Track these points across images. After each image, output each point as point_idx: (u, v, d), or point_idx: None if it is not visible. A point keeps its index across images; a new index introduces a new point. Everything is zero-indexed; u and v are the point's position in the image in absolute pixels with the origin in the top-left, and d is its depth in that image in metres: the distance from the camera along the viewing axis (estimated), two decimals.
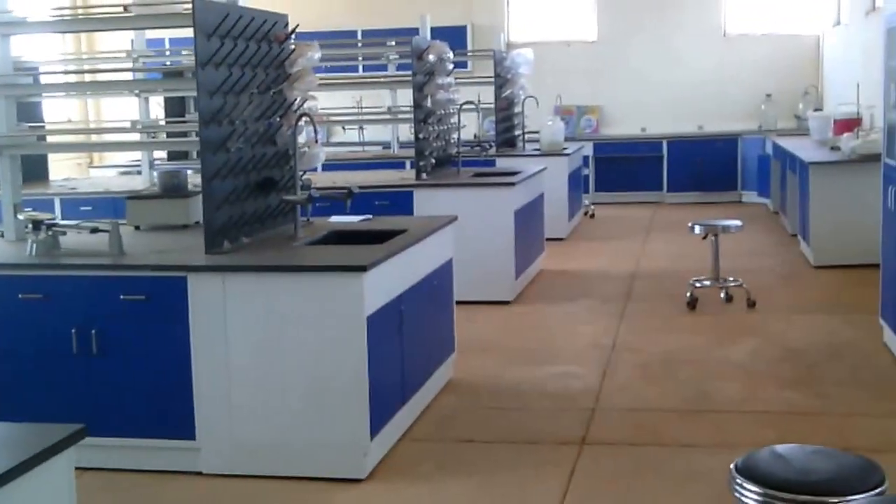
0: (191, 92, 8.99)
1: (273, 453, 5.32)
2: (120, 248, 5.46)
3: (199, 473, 5.39)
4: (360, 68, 15.39)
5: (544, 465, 5.54)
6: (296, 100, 6.38)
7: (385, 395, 5.51)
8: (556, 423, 6.21)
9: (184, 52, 11.22)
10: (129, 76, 9.80)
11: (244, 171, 5.84)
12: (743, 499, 3.35)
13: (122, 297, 5.28)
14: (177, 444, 5.37)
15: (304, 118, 6.16)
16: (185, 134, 9.55)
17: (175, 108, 10.20)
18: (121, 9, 5.98)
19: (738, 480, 3.38)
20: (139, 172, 9.73)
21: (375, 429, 5.34)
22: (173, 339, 5.27)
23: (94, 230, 5.51)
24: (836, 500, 3.15)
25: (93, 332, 5.27)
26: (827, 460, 3.44)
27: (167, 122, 9.43)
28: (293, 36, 6.42)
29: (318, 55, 6.48)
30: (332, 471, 5.26)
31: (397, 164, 11.82)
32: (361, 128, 14.63)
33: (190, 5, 5.44)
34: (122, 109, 11.92)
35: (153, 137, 8.76)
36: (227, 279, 5.25)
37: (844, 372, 7.13)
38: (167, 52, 11.87)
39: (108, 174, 12.91)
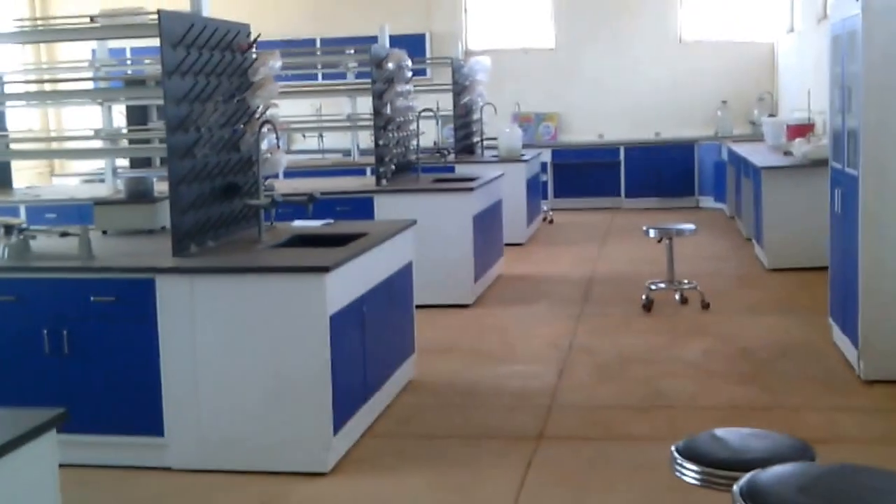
0: (153, 100, 9.23)
1: (239, 448, 5.54)
2: (89, 251, 5.69)
3: (168, 469, 5.61)
4: (320, 76, 15.61)
5: (502, 458, 5.78)
6: (258, 107, 6.62)
7: (347, 392, 5.76)
8: (514, 420, 6.47)
9: (146, 61, 11.43)
10: (90, 85, 9.99)
11: (209, 176, 6.08)
12: (684, 477, 3.61)
13: (92, 298, 5.49)
14: (146, 440, 5.59)
15: (266, 125, 6.40)
16: (147, 141, 9.75)
17: (137, 116, 10.35)
18: (87, 20, 6.19)
19: (678, 461, 3.64)
20: (102, 180, 9.92)
21: (338, 424, 5.58)
22: (142, 340, 5.49)
23: (64, 234, 5.74)
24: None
25: (64, 332, 5.48)
26: (761, 441, 3.72)
27: (129, 130, 9.60)
28: (255, 45, 6.66)
29: (279, 64, 6.72)
30: (297, 465, 5.50)
31: (357, 171, 12.02)
32: (321, 135, 14.84)
33: (155, 16, 5.69)
34: (83, 118, 12.09)
35: (116, 145, 8.97)
36: (194, 281, 5.48)
37: (794, 369, 7.41)
38: (128, 62, 12.06)
39: (71, 182, 13.06)
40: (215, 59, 6.13)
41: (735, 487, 2.88)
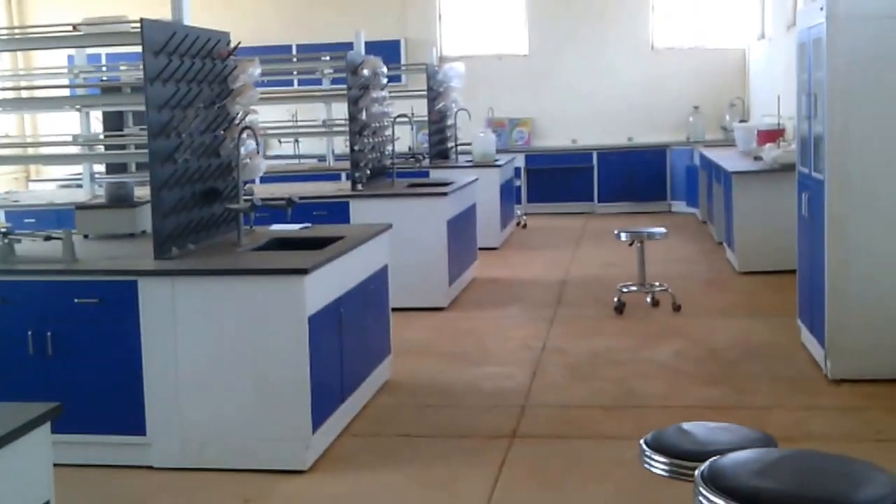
0: (129, 107, 9.37)
1: (220, 447, 5.70)
2: (73, 254, 5.84)
3: (150, 467, 5.76)
4: (296, 82, 15.74)
5: (477, 456, 5.96)
6: (238, 113, 6.78)
7: (326, 392, 5.92)
8: (488, 419, 6.64)
9: (122, 68, 11.57)
10: (67, 92, 10.11)
11: (190, 181, 6.24)
12: (652, 469, 3.77)
13: (76, 300, 5.64)
14: (128, 439, 5.73)
15: (246, 131, 6.56)
16: (123, 147, 9.90)
17: (113, 122, 10.50)
18: (71, 28, 6.34)
19: (647, 453, 3.80)
20: (79, 185, 10.04)
21: (317, 423, 5.74)
22: (125, 340, 5.64)
23: (48, 238, 5.89)
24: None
25: (48, 334, 5.62)
26: (726, 433, 3.88)
27: (106, 136, 9.74)
28: (235, 53, 6.82)
29: (258, 71, 6.88)
30: (276, 463, 5.66)
31: (333, 176, 12.19)
32: (297, 141, 14.99)
33: (137, 24, 5.85)
34: (59, 124, 12.19)
35: (93, 151, 9.10)
36: (176, 283, 5.64)
37: (763, 369, 7.60)
38: (104, 68, 12.18)
39: (48, 188, 13.16)
40: (196, 66, 6.30)
41: (696, 472, 3.05)
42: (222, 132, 6.64)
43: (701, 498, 2.94)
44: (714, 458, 3.13)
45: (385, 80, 10.84)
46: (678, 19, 17.92)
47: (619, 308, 9.54)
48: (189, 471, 5.70)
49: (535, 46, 18.04)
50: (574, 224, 15.89)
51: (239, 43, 6.79)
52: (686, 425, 3.97)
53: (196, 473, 5.68)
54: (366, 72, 10.08)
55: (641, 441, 3.87)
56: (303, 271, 5.56)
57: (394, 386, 7.33)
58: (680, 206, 16.79)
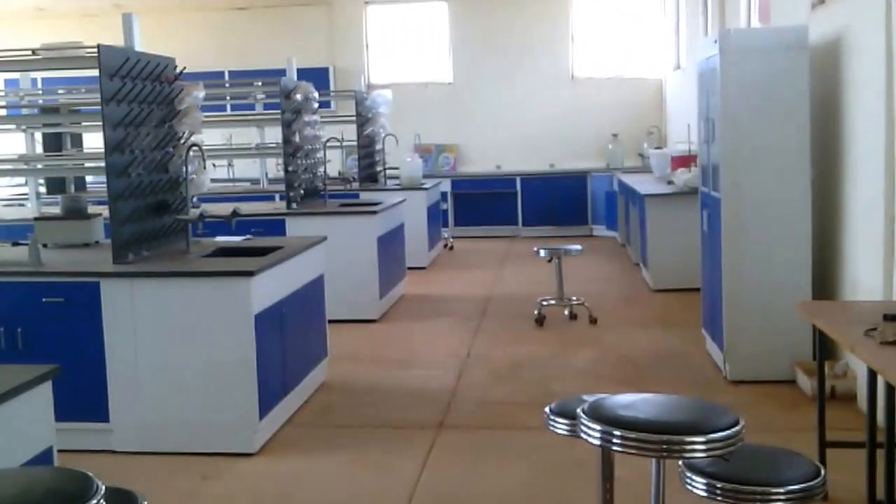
0: (69, 128, 9.95)
1: (177, 432, 6.39)
2: (39, 259, 6.49)
3: (113, 451, 6.44)
4: (228, 107, 16.21)
5: (408, 443, 6.67)
6: (184, 133, 7.45)
7: (270, 383, 6.64)
8: (418, 412, 7.36)
9: (59, 91, 12.12)
10: (2, 112, 10.62)
11: (143, 194, 6.92)
12: (556, 430, 4.34)
13: (43, 300, 6.32)
14: (92, 426, 6.39)
15: (193, 148, 7.25)
16: (61, 167, 10.43)
17: (52, 143, 11.04)
18: (30, 52, 6.98)
19: (551, 418, 4.37)
20: (21, 204, 10.62)
21: (263, 411, 6.47)
22: (88, 336, 6.33)
23: (16, 244, 6.54)
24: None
25: (18, 330, 6.29)
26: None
27: (46, 156, 10.30)
28: (180, 77, 7.50)
29: (202, 94, 7.57)
30: (228, 446, 6.36)
31: (267, 197, 12.72)
32: (231, 164, 15.47)
33: (93, 49, 6.51)
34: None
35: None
36: (134, 284, 6.34)
37: (670, 373, 8.31)
38: (40, 91, 12.71)
39: None
40: (146, 89, 6.97)
41: (579, 409, 3.77)
42: (171, 150, 7.30)
43: (582, 426, 3.67)
44: (596, 398, 3.86)
45: (316, 105, 11.47)
46: (598, 50, 18.62)
47: (540, 320, 10.24)
48: (148, 454, 6.39)
49: (459, 75, 18.70)
50: (499, 246, 16.56)
51: (185, 67, 7.45)
52: (584, 396, 4.41)
53: (155, 456, 6.38)
54: (298, 97, 10.71)
55: (546, 409, 4.42)
56: (249, 273, 6.27)
57: (330, 386, 8.02)
58: (600, 229, 17.41)
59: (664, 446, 3.45)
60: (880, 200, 6.66)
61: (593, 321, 10.24)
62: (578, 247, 10.71)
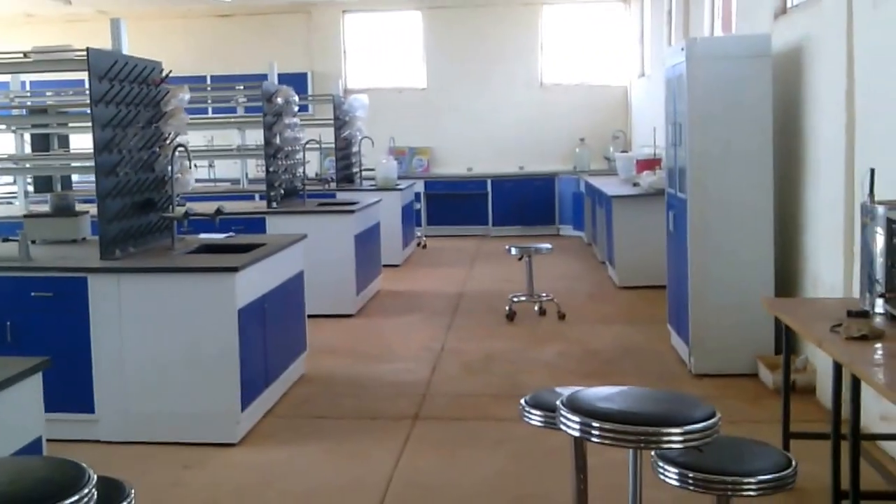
0: (56, 130, 9.86)
1: (161, 422, 6.31)
2: (28, 254, 6.40)
3: (98, 441, 6.35)
4: (210, 110, 16.14)
5: (385, 433, 6.64)
6: (170, 133, 7.38)
7: (252, 376, 6.57)
8: (394, 404, 7.32)
9: (47, 94, 12.00)
10: None
11: (130, 192, 6.83)
12: (531, 421, 4.30)
13: (32, 294, 6.22)
14: (78, 416, 6.30)
15: (179, 149, 7.18)
16: (49, 166, 10.35)
17: (40, 143, 10.95)
18: (22, 55, 6.88)
19: (526, 409, 4.32)
20: (9, 203, 10.50)
21: (245, 402, 6.40)
22: (76, 329, 6.24)
23: (6, 240, 6.44)
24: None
25: (7, 323, 6.20)
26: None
27: (35, 156, 10.20)
28: (167, 80, 7.42)
29: (188, 96, 7.49)
30: (211, 436, 6.29)
31: (247, 197, 12.64)
32: (212, 165, 15.40)
33: (82, 52, 6.43)
34: None
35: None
36: (121, 279, 6.26)
37: (636, 366, 8.32)
38: (29, 93, 12.58)
39: None
40: (134, 91, 6.88)
41: (558, 401, 3.73)
42: (157, 150, 7.22)
43: (561, 418, 3.63)
44: (574, 391, 3.82)
45: (297, 109, 11.39)
46: (566, 58, 18.70)
47: (510, 316, 10.24)
48: (133, 444, 6.31)
49: (433, 81, 18.72)
50: (470, 245, 16.56)
51: (171, 71, 7.38)
52: (557, 388, 4.47)
53: (139, 446, 6.29)
54: (279, 100, 10.64)
55: (522, 400, 4.37)
56: (234, 269, 6.21)
57: (309, 379, 7.97)
58: (567, 229, 17.46)
59: (642, 437, 3.42)
60: (840, 201, 6.70)
61: (562, 317, 10.24)
62: (548, 245, 10.71)
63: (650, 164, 13.43)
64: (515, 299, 10.49)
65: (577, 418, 3.54)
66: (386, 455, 6.20)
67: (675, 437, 3.41)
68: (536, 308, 10.48)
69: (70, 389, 6.26)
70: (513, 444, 6.35)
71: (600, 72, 18.68)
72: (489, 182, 17.90)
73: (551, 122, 18.39)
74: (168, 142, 7.39)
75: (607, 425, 3.45)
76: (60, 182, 10.56)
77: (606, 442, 3.46)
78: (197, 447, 6.25)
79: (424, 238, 16.65)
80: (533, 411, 4.30)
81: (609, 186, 13.25)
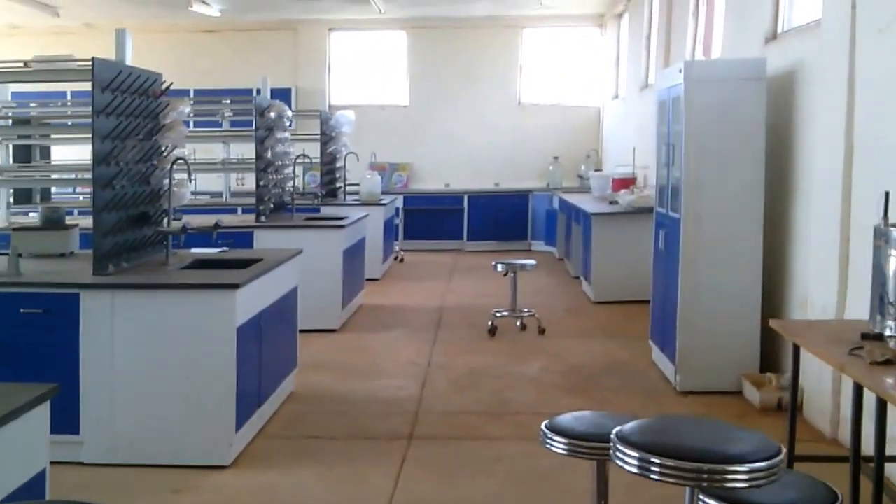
0: (39, 141, 9.36)
1: (149, 445, 5.82)
2: (17, 269, 5.92)
3: (81, 463, 5.82)
4: (192, 124, 15.68)
5: (380, 454, 6.21)
6: (167, 146, 6.94)
7: (247, 395, 6.12)
8: (387, 423, 6.91)
9: (31, 105, 11.47)
10: None
11: (126, 205, 6.35)
12: (553, 449, 3.96)
13: (21, 310, 5.71)
14: (62, 438, 5.73)
15: (178, 161, 6.75)
16: (31, 177, 9.83)
17: (22, 154, 10.46)
18: (22, 64, 6.42)
19: (548, 436, 3.98)
20: None
21: (239, 423, 5.94)
22: (65, 347, 5.73)
23: None
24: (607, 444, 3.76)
25: None
26: (610, 420, 4.21)
27: (19, 167, 9.70)
28: (167, 92, 6.98)
29: (188, 109, 7.07)
30: (202, 458, 5.81)
31: (230, 210, 12.22)
32: (194, 178, 14.89)
33: (85, 62, 5.99)
34: None
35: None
36: (116, 295, 5.77)
37: (620, 382, 8.03)
38: (14, 104, 12.03)
39: None
40: (135, 102, 6.42)
41: (613, 433, 3.35)
42: (154, 163, 6.79)
43: (617, 452, 3.25)
44: (617, 428, 3.45)
45: (288, 123, 11.00)
46: (543, 79, 18.51)
47: (492, 331, 9.91)
48: (119, 467, 5.80)
49: (414, 98, 18.46)
50: (446, 259, 16.24)
51: (172, 83, 6.95)
52: (576, 413, 4.19)
53: (126, 469, 5.79)
54: (272, 114, 10.24)
55: (543, 425, 4.03)
56: (235, 286, 5.76)
57: (299, 396, 7.53)
58: (539, 245, 17.19)
59: (705, 476, 3.05)
60: (836, 224, 6.50)
61: (542, 332, 9.95)
62: (533, 262, 10.41)
63: (626, 182, 13.29)
64: (498, 314, 10.15)
65: (635, 454, 3.18)
66: (383, 477, 5.80)
67: (740, 476, 3.04)
68: (518, 323, 10.14)
69: (54, 409, 5.73)
70: (509, 464, 6.01)
71: (575, 93, 18.52)
72: (465, 198, 17.64)
73: (527, 141, 18.23)
74: (165, 154, 6.95)
75: (669, 462, 3.09)
76: (40, 194, 10.06)
77: (668, 480, 3.09)
78: (187, 470, 5.76)
79: (402, 252, 16.30)
80: (557, 438, 3.97)
81: (586, 204, 13.04)
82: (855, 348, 4.32)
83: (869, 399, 4.46)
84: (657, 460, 3.12)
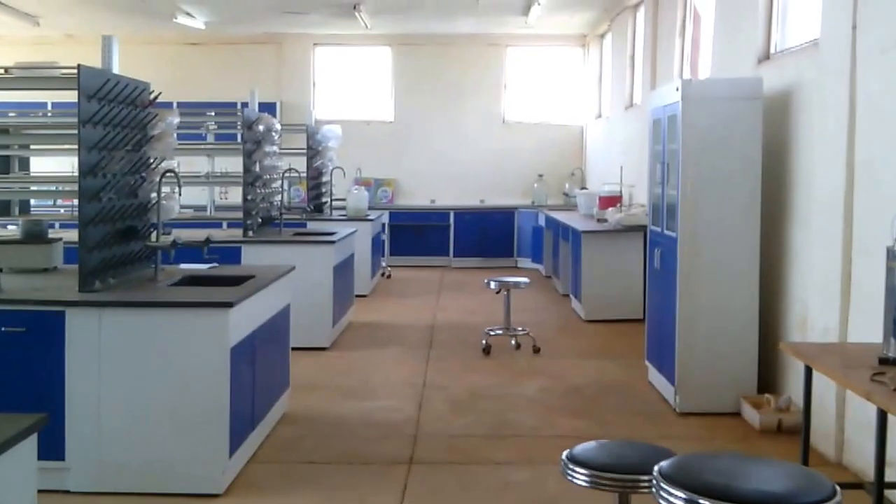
0: (18, 152, 8.95)
1: (138, 472, 5.39)
2: None
3: (67, 492, 5.39)
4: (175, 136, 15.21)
5: (380, 481, 5.82)
6: (156, 158, 6.54)
7: (240, 418, 5.71)
8: (386, 447, 6.51)
9: (10, 115, 11.04)
10: None
11: (113, 219, 5.94)
12: (575, 480, 3.72)
13: (2, 329, 5.29)
14: (46, 464, 5.33)
15: (168, 174, 6.35)
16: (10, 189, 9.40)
17: (1, 165, 10.04)
18: (2, 70, 6.01)
19: (569, 467, 3.73)
20: None
21: (232, 449, 5.52)
22: (49, 368, 5.31)
23: None
24: (645, 477, 3.56)
25: None
26: (630, 449, 3.90)
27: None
28: (155, 102, 6.58)
29: (176, 120, 6.67)
30: (193, 487, 5.39)
31: (215, 224, 11.82)
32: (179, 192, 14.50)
33: (70, 69, 5.59)
34: None
35: None
36: (103, 314, 5.36)
37: (619, 403, 7.73)
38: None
39: None
40: (123, 112, 6.03)
41: (655, 470, 3.07)
42: (143, 175, 6.39)
43: (661, 491, 2.96)
44: (660, 464, 3.14)
45: (276, 137, 10.62)
46: (527, 98, 18.29)
47: (487, 349, 9.57)
48: (106, 495, 5.37)
49: (400, 114, 18.16)
50: (432, 276, 15.90)
51: (160, 93, 6.57)
52: (597, 442, 3.95)
53: (114, 497, 5.36)
54: (261, 127, 9.86)
55: (563, 455, 3.81)
56: (228, 304, 5.37)
57: (292, 418, 7.12)
58: (525, 262, 16.90)
59: None
60: (838, 246, 6.28)
61: (536, 350, 9.62)
62: (526, 279, 10.06)
63: (612, 200, 13.04)
64: (492, 333, 9.79)
65: (682, 494, 2.89)
66: None
67: None
68: (513, 342, 9.79)
69: (39, 435, 5.34)
70: (518, 492, 5.65)
71: (558, 112, 18.28)
72: (451, 214, 17.29)
73: (512, 158, 17.97)
74: (153, 167, 6.54)
75: None
76: (19, 206, 9.62)
77: None
78: (177, 498, 5.34)
79: (388, 268, 15.95)
80: (578, 470, 3.74)
81: (575, 221, 12.76)
82: (877, 373, 4.18)
83: (870, 418, 4.27)
84: (705, 502, 2.89)
